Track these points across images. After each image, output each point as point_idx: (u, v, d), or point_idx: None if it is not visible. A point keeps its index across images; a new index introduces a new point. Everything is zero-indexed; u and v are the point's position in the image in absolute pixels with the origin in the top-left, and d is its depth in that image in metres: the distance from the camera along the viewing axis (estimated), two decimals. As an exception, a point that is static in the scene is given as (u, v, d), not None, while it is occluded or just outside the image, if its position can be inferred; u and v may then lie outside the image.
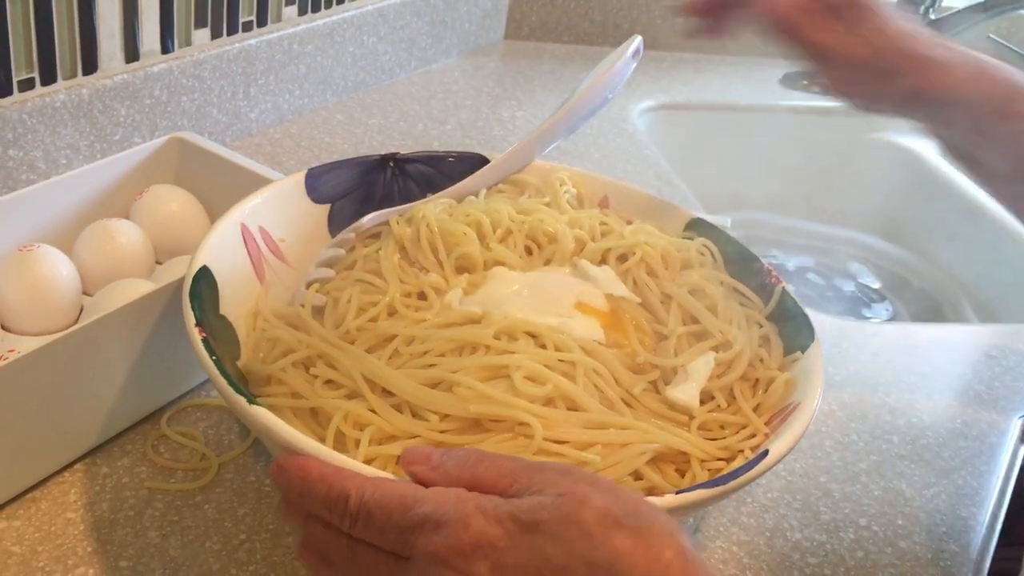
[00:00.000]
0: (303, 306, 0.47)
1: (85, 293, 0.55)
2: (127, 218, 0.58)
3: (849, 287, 1.06)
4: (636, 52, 0.60)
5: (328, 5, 0.88)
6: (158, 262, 0.59)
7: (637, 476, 0.40)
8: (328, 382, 0.43)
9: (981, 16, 1.11)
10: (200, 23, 0.76)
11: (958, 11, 1.12)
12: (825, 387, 0.51)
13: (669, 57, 1.19)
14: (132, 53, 0.71)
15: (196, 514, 0.47)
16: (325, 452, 0.36)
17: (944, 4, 1.18)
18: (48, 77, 0.66)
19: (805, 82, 1.15)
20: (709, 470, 0.42)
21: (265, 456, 0.50)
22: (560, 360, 0.43)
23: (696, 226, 0.55)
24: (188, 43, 0.76)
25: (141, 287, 0.50)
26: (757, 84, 1.15)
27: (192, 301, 0.42)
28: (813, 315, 0.49)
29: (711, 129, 1.09)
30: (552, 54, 1.15)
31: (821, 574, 0.49)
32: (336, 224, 0.54)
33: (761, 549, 0.50)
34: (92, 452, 0.49)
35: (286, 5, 0.83)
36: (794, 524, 0.52)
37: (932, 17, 1.13)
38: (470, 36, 1.10)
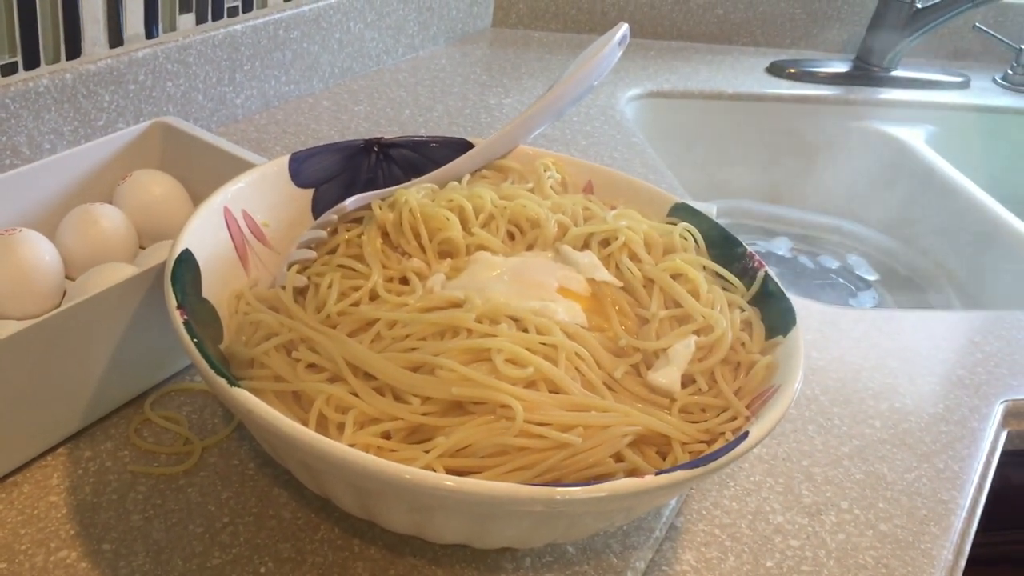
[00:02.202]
0: (284, 288, 0.47)
1: (68, 277, 0.55)
2: (110, 203, 0.58)
3: (834, 275, 1.06)
4: (622, 39, 0.60)
5: (314, -9, 0.88)
6: (141, 247, 0.59)
7: (619, 458, 0.41)
8: (310, 366, 0.43)
9: (967, 4, 1.12)
10: (185, 8, 0.76)
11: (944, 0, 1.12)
12: (808, 372, 0.52)
13: (656, 45, 1.19)
14: (116, 38, 0.71)
15: (179, 497, 0.47)
16: (308, 434, 0.36)
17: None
18: (31, 62, 0.66)
19: (791, 70, 1.15)
20: (690, 452, 0.42)
21: (249, 440, 0.50)
22: (542, 343, 0.43)
23: (679, 211, 0.55)
24: (173, 28, 0.75)
25: (124, 271, 0.50)
26: (744, 72, 1.15)
27: (174, 284, 0.42)
28: (797, 301, 0.50)
29: (698, 117, 1.09)
30: (540, 41, 1.15)
31: (802, 556, 0.50)
32: (320, 209, 0.54)
33: (743, 532, 0.51)
34: (75, 436, 0.49)
35: (272, -10, 0.83)
36: (776, 507, 0.53)
37: (919, 6, 1.13)
38: (457, 23, 1.10)
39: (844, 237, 1.13)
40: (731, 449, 0.39)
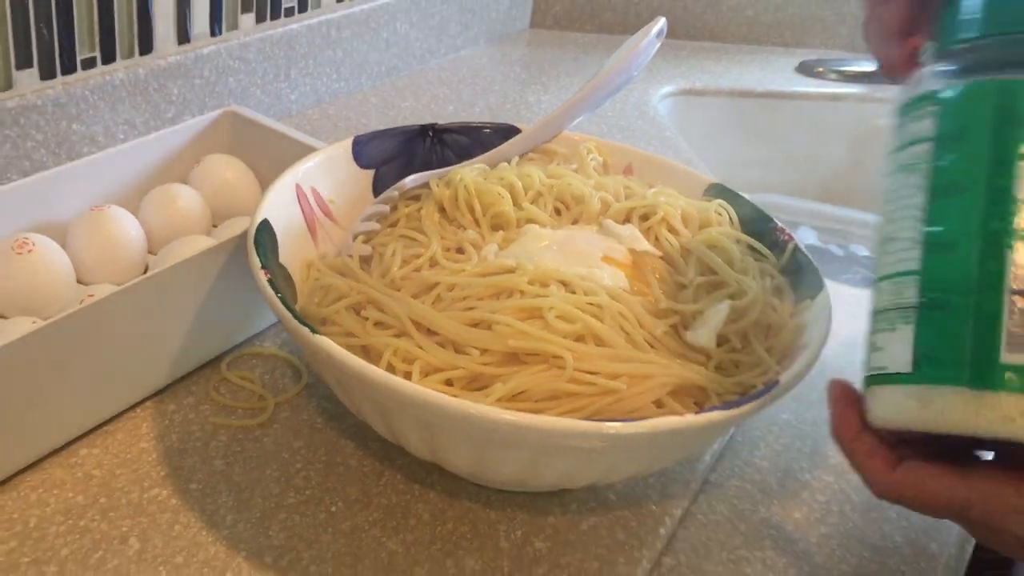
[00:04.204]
0: (351, 257, 0.51)
1: (150, 252, 0.59)
2: (186, 183, 0.63)
3: (865, 262, 1.09)
4: (660, 33, 0.65)
5: (364, -8, 0.93)
6: (214, 225, 0.63)
7: (659, 404, 0.45)
8: (378, 324, 0.47)
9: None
10: (246, 8, 0.81)
11: None
12: (836, 344, 0.55)
13: (689, 45, 1.23)
14: (184, 35, 0.76)
15: (256, 446, 0.51)
16: (383, 374, 0.40)
17: None
18: (108, 56, 0.71)
19: (819, 69, 1.19)
20: (725, 403, 0.46)
21: (317, 397, 0.55)
22: (589, 304, 0.47)
23: (715, 190, 0.59)
24: (235, 27, 0.80)
25: (201, 243, 0.55)
26: (773, 72, 1.18)
27: (257, 248, 0.47)
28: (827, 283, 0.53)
29: (729, 114, 1.13)
30: (576, 42, 1.20)
31: (828, 510, 0.53)
32: (380, 188, 0.59)
33: (772, 488, 0.54)
34: (160, 392, 0.54)
35: (325, -9, 0.88)
36: (804, 466, 0.56)
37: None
38: (497, 24, 1.14)
39: (872, 231, 1.16)
40: (762, 395, 0.42)
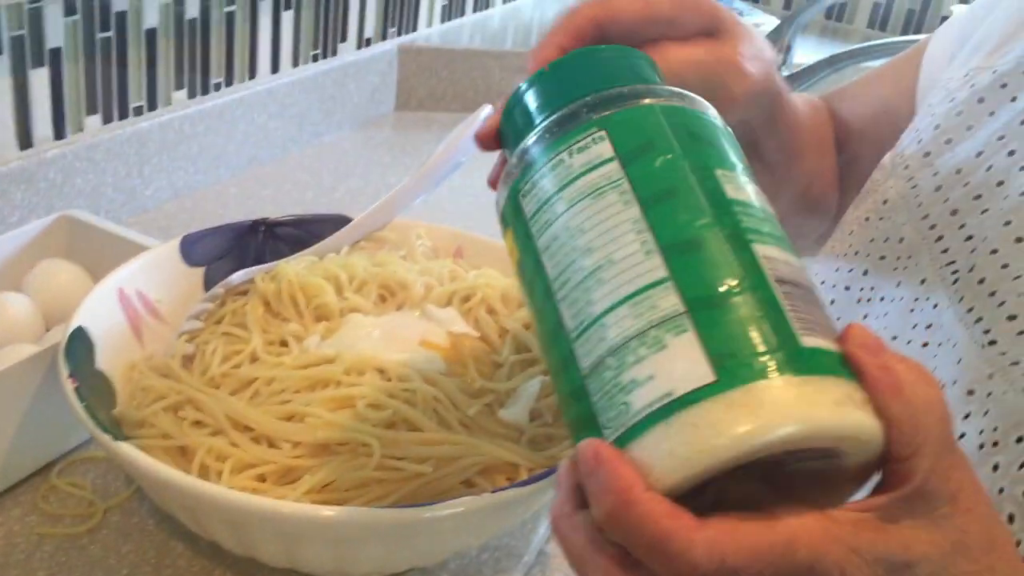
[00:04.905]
0: (173, 356, 0.52)
1: (-22, 362, 0.59)
2: (19, 290, 0.63)
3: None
4: (486, 119, 0.68)
5: (217, 88, 0.95)
6: (49, 331, 0.63)
7: (469, 484, 0.46)
8: (195, 423, 0.48)
9: (828, 70, 1.23)
10: (91, 110, 0.82)
11: (807, 66, 1.23)
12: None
13: (551, 120, 1.28)
14: (26, 140, 0.77)
15: (82, 555, 0.51)
16: (187, 480, 0.41)
17: (795, 61, 1.30)
18: (-57, 166, 0.71)
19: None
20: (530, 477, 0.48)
21: (148, 500, 0.55)
22: (403, 389, 0.49)
23: (537, 269, 0.62)
24: (80, 129, 0.81)
25: (25, 352, 0.55)
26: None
27: (68, 356, 0.47)
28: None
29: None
30: (440, 122, 1.23)
31: (658, 570, 0.55)
32: (211, 286, 0.60)
33: (606, 552, 0.56)
34: (-15, 505, 0.53)
35: (175, 89, 0.90)
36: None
37: (784, 73, 1.24)
38: (360, 109, 1.17)
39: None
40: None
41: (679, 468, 0.27)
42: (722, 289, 0.29)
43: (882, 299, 0.43)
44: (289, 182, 1.00)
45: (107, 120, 0.83)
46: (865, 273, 0.45)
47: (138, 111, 0.86)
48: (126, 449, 0.42)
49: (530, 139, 0.34)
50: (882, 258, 0.44)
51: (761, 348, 0.28)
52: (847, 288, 0.46)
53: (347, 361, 0.50)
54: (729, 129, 0.34)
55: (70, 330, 0.49)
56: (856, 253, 0.46)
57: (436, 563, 0.52)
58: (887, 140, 0.49)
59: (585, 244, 0.32)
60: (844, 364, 0.28)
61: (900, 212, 0.43)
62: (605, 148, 0.32)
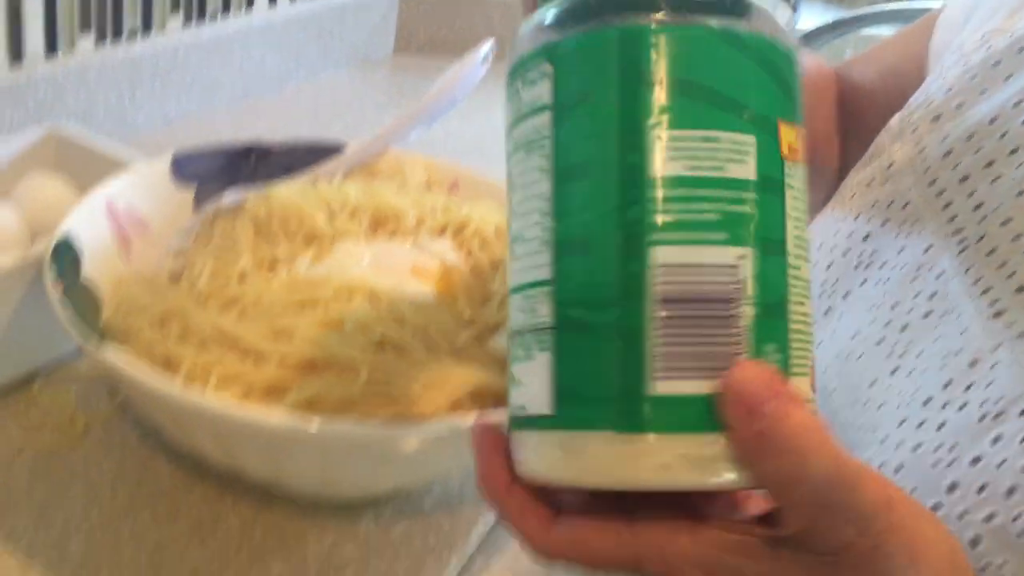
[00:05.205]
0: (161, 271, 0.52)
1: (-38, 271, 0.58)
2: (5, 202, 0.62)
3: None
4: (486, 57, 0.67)
5: (213, 17, 0.93)
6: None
7: (456, 407, 0.46)
8: (181, 337, 0.48)
9: (831, 35, 1.22)
10: (84, 27, 0.80)
11: (811, 31, 1.22)
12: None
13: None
14: (16, 54, 0.75)
15: (63, 465, 0.51)
16: (174, 388, 0.41)
17: (799, 26, 1.29)
18: (-69, 76, 0.70)
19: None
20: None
21: (131, 416, 0.55)
22: (391, 314, 0.48)
23: (531, 206, 0.62)
24: (72, 46, 0.80)
25: (10, 260, 0.54)
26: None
27: (54, 263, 0.47)
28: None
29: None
30: (439, 68, 1.21)
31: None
32: (201, 206, 0.59)
33: (587, 490, 0.56)
34: (-35, 413, 0.53)
35: (171, 12, 0.88)
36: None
37: (787, 35, 1.23)
38: (359, 49, 1.16)
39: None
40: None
41: (524, 474, 0.28)
42: (591, 311, 0.26)
43: (883, 265, 0.42)
44: (283, 117, 0.99)
45: (100, 39, 0.82)
46: (866, 237, 0.44)
47: (132, 34, 0.85)
48: (112, 355, 0.42)
49: (527, 30, 0.28)
50: (885, 223, 0.43)
51: (602, 392, 0.26)
52: (845, 252, 0.45)
53: (336, 284, 0.49)
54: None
55: (56, 239, 0.49)
56: (857, 217, 0.45)
57: (420, 487, 0.52)
58: (894, 103, 0.48)
59: (513, 203, 0.28)
60: (711, 412, 0.25)
61: (906, 176, 0.42)
62: (544, 91, 0.27)
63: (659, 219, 0.25)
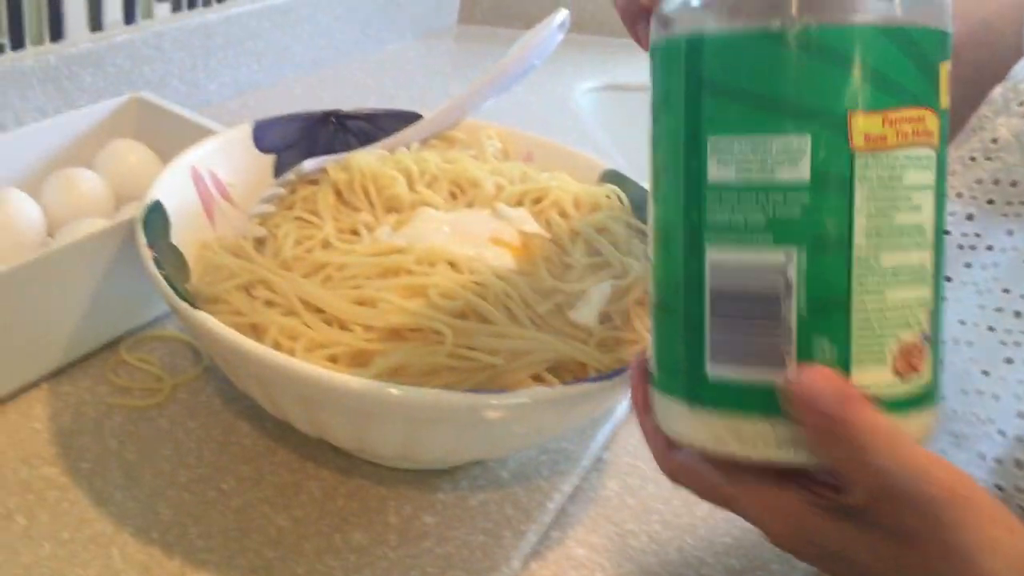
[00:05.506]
0: (246, 237, 0.52)
1: (50, 235, 0.60)
2: (90, 168, 0.63)
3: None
4: (562, 24, 0.66)
5: (284, -16, 0.94)
6: (118, 210, 0.64)
7: (538, 379, 0.46)
8: (267, 303, 0.48)
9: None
10: (161, -3, 0.81)
11: None
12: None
13: (615, 43, 1.25)
14: (96, 23, 0.76)
15: (151, 427, 0.52)
16: (261, 349, 0.41)
17: None
18: (17, 42, 0.71)
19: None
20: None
21: (216, 379, 0.56)
22: (473, 282, 0.48)
23: (610, 176, 0.61)
24: (150, 15, 0.81)
25: (99, 225, 0.55)
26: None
27: (146, 228, 0.48)
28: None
29: (653, 109, 1.15)
30: (504, 38, 1.20)
31: (714, 483, 0.55)
32: (281, 172, 0.60)
33: (662, 463, 0.56)
34: (56, 373, 0.54)
35: (244, -18, 0.89)
36: (694, 442, 0.58)
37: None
38: (424, 19, 1.15)
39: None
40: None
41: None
42: (669, 296, 0.30)
43: (989, 247, 0.41)
44: (351, 86, 0.99)
45: (176, 8, 0.83)
46: (969, 217, 0.42)
47: (206, 1, 0.85)
48: (204, 318, 0.42)
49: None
50: (990, 202, 0.42)
51: (676, 366, 0.30)
52: (946, 232, 0.43)
53: (418, 251, 0.49)
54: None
55: (147, 203, 0.49)
56: (959, 195, 0.43)
57: (498, 459, 0.52)
58: (984, 63, 0.46)
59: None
60: (761, 398, 0.27)
61: (1013, 152, 0.41)
62: (651, 87, 0.30)
63: (712, 222, 0.27)
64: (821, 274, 0.26)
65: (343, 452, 0.51)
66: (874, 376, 0.27)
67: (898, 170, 0.27)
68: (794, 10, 0.26)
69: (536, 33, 0.65)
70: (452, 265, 0.49)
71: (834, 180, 0.26)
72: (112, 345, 0.57)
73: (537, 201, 0.57)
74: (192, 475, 0.49)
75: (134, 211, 0.58)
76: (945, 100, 0.28)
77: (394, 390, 0.40)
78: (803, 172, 0.26)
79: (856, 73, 0.26)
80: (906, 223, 0.27)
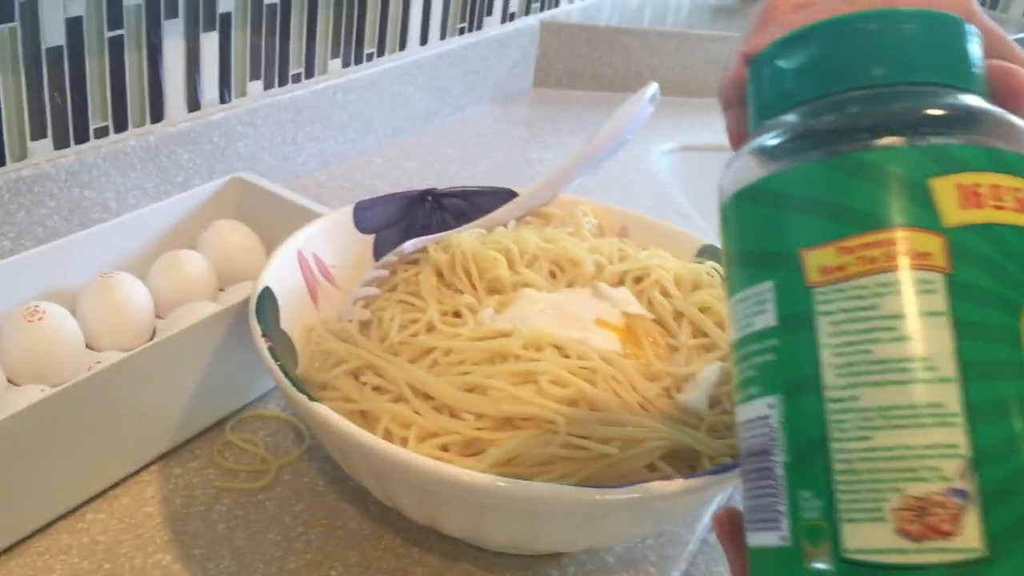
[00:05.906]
0: (351, 321, 0.53)
1: (158, 316, 0.61)
2: (193, 249, 0.65)
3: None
4: (653, 97, 0.66)
5: (369, 59, 0.96)
6: (220, 289, 0.65)
7: (652, 468, 0.45)
8: (376, 388, 0.48)
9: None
10: (255, 75, 0.83)
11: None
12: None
13: (688, 103, 1.25)
14: (194, 103, 0.79)
15: (258, 510, 0.52)
16: (379, 442, 0.41)
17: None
18: (120, 125, 0.73)
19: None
20: (716, 466, 0.47)
21: (318, 460, 0.56)
22: (582, 367, 0.48)
23: (707, 252, 0.61)
24: (244, 93, 0.83)
25: (207, 309, 0.56)
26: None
27: (258, 315, 0.48)
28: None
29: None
30: (578, 100, 1.22)
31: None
32: (381, 252, 0.60)
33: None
34: (165, 456, 0.55)
35: (331, 58, 0.91)
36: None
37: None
38: (500, 84, 1.17)
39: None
40: (752, 458, 0.43)
41: None
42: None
43: None
44: (432, 155, 1.00)
45: (268, 86, 0.85)
46: None
47: (296, 78, 0.88)
48: (322, 410, 0.42)
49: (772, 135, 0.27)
50: None
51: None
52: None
53: (525, 336, 0.49)
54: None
55: (259, 289, 0.50)
56: None
57: (607, 547, 0.51)
58: None
59: None
60: (776, 562, 0.25)
61: None
62: None
63: (736, 382, 0.27)
64: (796, 419, 0.25)
65: (448, 536, 0.51)
66: (869, 536, 0.23)
67: (869, 299, 0.24)
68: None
69: (628, 108, 0.65)
70: (559, 349, 0.49)
71: (797, 319, 0.25)
72: (217, 426, 0.58)
73: (638, 280, 0.56)
74: (301, 561, 0.49)
75: (239, 292, 0.59)
76: (961, 216, 0.24)
77: (518, 486, 0.40)
78: (770, 318, 0.26)
79: (800, 208, 0.25)
80: (891, 356, 0.24)
